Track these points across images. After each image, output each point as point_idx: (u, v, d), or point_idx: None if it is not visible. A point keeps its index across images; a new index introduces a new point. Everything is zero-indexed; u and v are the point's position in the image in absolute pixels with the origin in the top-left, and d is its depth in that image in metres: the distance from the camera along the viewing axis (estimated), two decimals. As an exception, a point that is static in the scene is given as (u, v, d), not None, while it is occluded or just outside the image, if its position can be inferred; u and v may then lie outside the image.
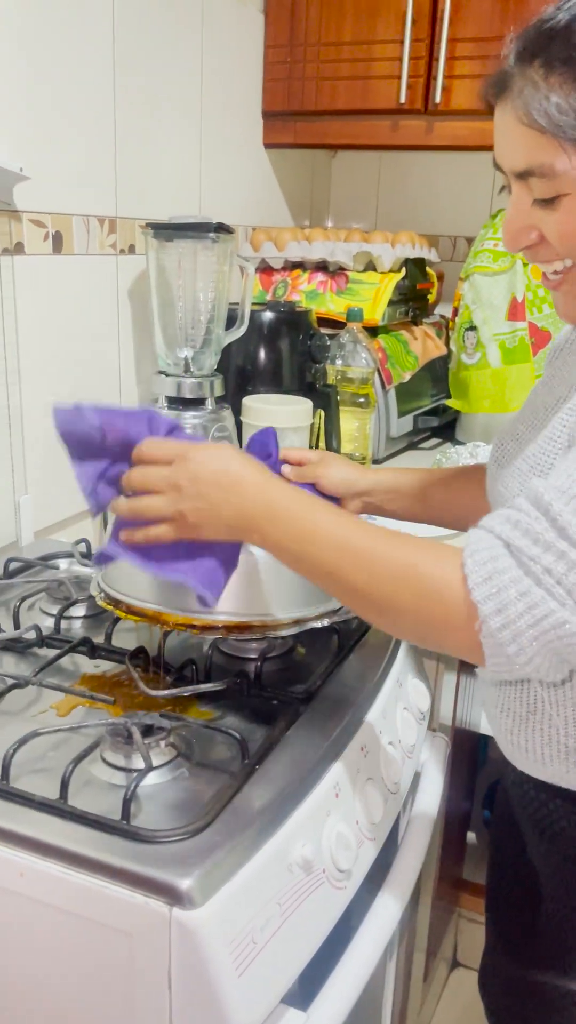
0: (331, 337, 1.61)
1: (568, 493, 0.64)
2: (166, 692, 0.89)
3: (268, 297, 1.79)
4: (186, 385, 1.37)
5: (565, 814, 0.86)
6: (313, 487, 1.00)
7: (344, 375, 1.57)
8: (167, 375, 1.40)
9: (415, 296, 1.85)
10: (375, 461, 1.67)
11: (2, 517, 1.27)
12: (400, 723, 1.00)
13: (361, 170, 2.18)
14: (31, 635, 1.00)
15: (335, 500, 1.00)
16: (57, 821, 0.72)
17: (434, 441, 1.89)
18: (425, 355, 1.82)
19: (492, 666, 0.66)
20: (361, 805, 0.87)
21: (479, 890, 1.72)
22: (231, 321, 1.47)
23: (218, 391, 1.40)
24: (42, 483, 1.32)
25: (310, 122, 1.80)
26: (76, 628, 1.08)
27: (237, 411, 1.44)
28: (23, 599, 1.09)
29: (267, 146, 1.88)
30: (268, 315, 1.56)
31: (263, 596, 0.91)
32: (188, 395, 1.37)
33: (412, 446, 1.83)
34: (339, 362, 1.58)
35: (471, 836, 1.79)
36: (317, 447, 1.57)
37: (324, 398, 1.54)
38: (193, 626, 0.90)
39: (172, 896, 0.65)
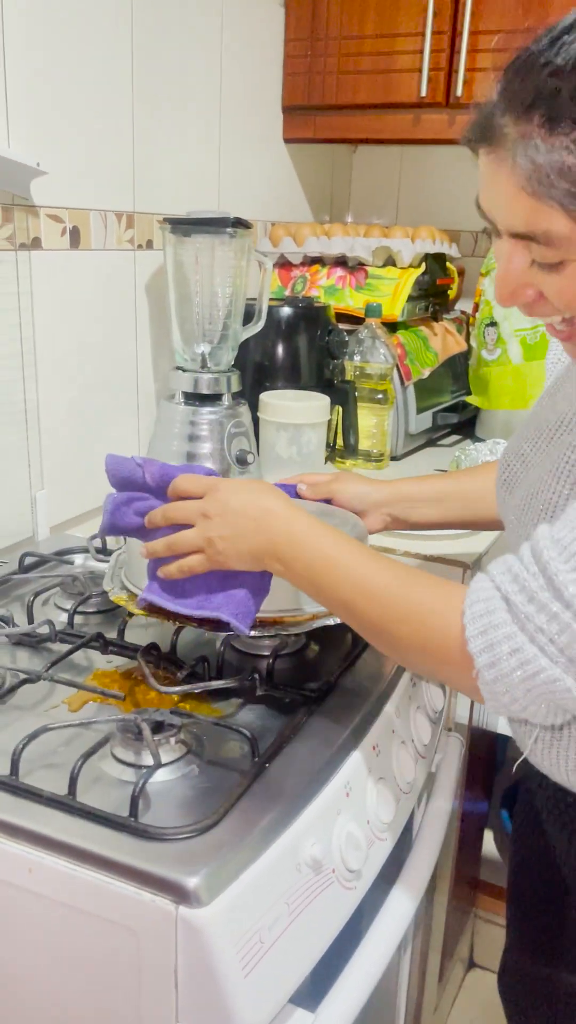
0: (350, 333, 1.60)
1: (569, 550, 0.64)
2: (177, 688, 0.89)
3: (287, 292, 1.78)
4: (203, 381, 1.37)
5: None
6: (329, 503, 1.03)
7: (363, 371, 1.56)
8: (184, 371, 1.39)
9: (435, 292, 1.83)
10: (393, 458, 1.66)
11: (18, 512, 1.27)
12: (414, 722, 1.00)
13: (382, 164, 2.16)
14: (44, 630, 1.00)
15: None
16: (65, 817, 0.72)
17: (453, 438, 1.88)
18: (445, 351, 1.81)
19: (491, 708, 0.69)
20: (372, 805, 0.86)
21: (496, 891, 1.70)
22: (249, 317, 1.46)
23: (235, 387, 1.39)
24: (58, 478, 1.32)
25: (330, 116, 1.79)
26: (90, 623, 1.08)
27: (254, 407, 1.44)
28: (37, 594, 1.09)
29: (287, 141, 1.87)
30: (286, 310, 1.55)
31: (279, 592, 0.90)
32: (205, 391, 1.37)
33: (431, 443, 1.82)
34: (357, 358, 1.57)
35: (488, 837, 1.78)
36: (335, 444, 1.56)
37: (342, 394, 1.53)
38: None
39: (178, 894, 0.65)
